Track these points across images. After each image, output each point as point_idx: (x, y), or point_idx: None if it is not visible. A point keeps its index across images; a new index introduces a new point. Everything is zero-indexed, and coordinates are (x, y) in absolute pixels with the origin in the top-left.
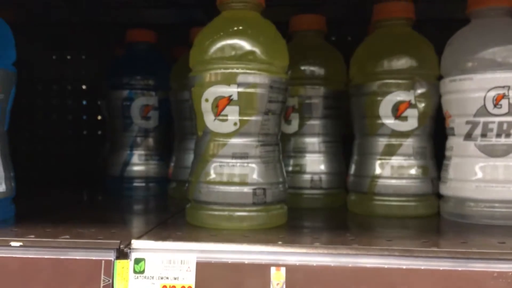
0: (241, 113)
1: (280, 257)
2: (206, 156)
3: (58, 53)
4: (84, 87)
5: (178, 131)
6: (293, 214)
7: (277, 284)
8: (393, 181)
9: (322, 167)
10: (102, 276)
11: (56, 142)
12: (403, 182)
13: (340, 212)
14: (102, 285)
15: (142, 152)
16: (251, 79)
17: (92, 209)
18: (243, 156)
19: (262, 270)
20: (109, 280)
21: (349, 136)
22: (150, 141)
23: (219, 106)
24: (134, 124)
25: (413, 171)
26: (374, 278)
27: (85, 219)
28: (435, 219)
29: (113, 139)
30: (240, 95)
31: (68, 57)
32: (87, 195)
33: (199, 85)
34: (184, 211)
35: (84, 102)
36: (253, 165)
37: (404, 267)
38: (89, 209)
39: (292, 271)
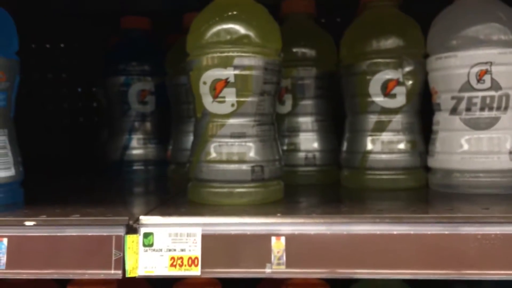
0: (238, 95)
1: (279, 228)
2: (206, 137)
3: (52, 42)
4: (78, 75)
5: (175, 114)
6: (289, 190)
7: (278, 252)
8: (384, 156)
9: (316, 145)
10: (114, 250)
11: (52, 130)
12: (393, 156)
13: (333, 187)
14: (113, 258)
15: (141, 136)
16: (246, 61)
17: (96, 192)
18: (241, 135)
19: (263, 240)
20: (120, 254)
21: (341, 115)
22: (148, 125)
23: (216, 88)
24: (132, 109)
25: (402, 146)
26: (367, 243)
27: (91, 200)
28: (423, 191)
29: (112, 124)
30: (236, 77)
31: (62, 45)
32: (87, 180)
33: (197, 69)
34: (185, 191)
35: (79, 90)
36: (251, 144)
37: (395, 232)
38: (93, 192)
39: (291, 240)
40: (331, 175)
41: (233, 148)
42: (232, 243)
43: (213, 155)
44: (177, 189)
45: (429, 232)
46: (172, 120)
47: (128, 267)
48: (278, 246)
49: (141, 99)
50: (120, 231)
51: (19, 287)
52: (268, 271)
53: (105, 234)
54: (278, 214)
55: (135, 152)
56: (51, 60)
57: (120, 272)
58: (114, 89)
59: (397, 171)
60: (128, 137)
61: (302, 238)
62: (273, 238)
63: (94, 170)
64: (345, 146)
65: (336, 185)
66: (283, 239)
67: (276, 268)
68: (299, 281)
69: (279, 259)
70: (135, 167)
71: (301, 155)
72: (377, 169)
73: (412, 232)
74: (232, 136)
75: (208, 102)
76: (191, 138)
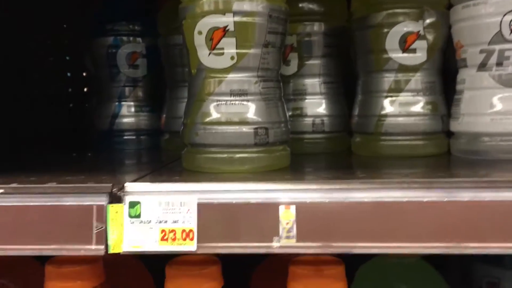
0: (238, 46)
1: (288, 195)
2: (202, 95)
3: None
4: (66, 41)
5: (169, 79)
6: (295, 159)
7: (287, 223)
8: (401, 119)
9: (324, 109)
10: (94, 222)
11: (40, 101)
12: (411, 119)
13: (344, 155)
14: (94, 231)
15: (131, 103)
16: (248, 6)
17: (81, 162)
18: (242, 93)
19: (269, 210)
20: (102, 227)
21: (351, 76)
22: (139, 91)
23: (214, 38)
24: (121, 73)
25: (422, 108)
26: (392, 213)
27: (73, 169)
28: (445, 158)
29: (100, 90)
30: (236, 25)
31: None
32: (75, 151)
33: (191, 16)
34: (179, 160)
35: (68, 58)
36: (253, 103)
37: (426, 199)
38: (77, 162)
39: (302, 209)
40: (340, 143)
41: (233, 108)
42: (233, 214)
43: (211, 116)
44: (171, 159)
45: (466, 199)
46: (166, 85)
47: (111, 241)
48: (287, 216)
49: (131, 63)
50: (102, 200)
51: None
52: (275, 246)
53: (84, 203)
54: (287, 180)
55: (125, 120)
56: (35, 24)
57: (102, 247)
58: (102, 51)
59: (416, 136)
60: (117, 104)
61: (316, 207)
62: (282, 208)
63: (83, 143)
64: (357, 109)
65: (346, 153)
66: (293, 208)
67: (285, 242)
68: (309, 257)
69: (288, 231)
70: (125, 137)
71: (308, 120)
72: (394, 134)
73: (446, 199)
74: (232, 94)
75: (204, 55)
76: None
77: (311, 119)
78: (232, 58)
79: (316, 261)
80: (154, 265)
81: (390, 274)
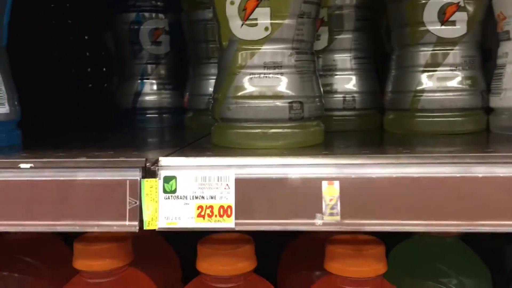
0: (272, 16)
1: (331, 170)
2: (234, 69)
3: None
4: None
5: (192, 56)
6: (326, 137)
7: (330, 200)
8: (439, 95)
9: (355, 86)
10: (128, 197)
11: (59, 81)
12: (449, 95)
13: (376, 133)
14: (128, 207)
15: (154, 81)
16: None
17: (105, 139)
18: (276, 65)
19: (311, 185)
20: (136, 202)
21: (383, 52)
22: (162, 68)
23: (247, 8)
24: (144, 50)
25: (460, 83)
26: (444, 189)
27: (100, 146)
28: (485, 135)
29: (122, 69)
30: None
31: None
32: (96, 131)
33: None
34: (207, 138)
35: (87, 37)
36: (288, 76)
37: (480, 175)
38: (102, 140)
39: (347, 185)
40: (371, 120)
41: (267, 81)
42: (272, 190)
43: (243, 89)
44: (196, 137)
45: None
46: (189, 62)
47: (146, 217)
48: (330, 192)
49: (154, 39)
50: (136, 174)
51: (17, 243)
52: (318, 223)
53: (117, 178)
54: (328, 154)
55: (148, 98)
56: (54, 2)
57: (136, 223)
58: (124, 27)
59: (454, 112)
60: (140, 82)
61: (362, 183)
62: (325, 183)
63: (104, 122)
64: (391, 85)
65: (378, 131)
66: (337, 184)
67: (328, 219)
68: (346, 236)
69: (332, 208)
70: (148, 115)
71: (339, 97)
72: (431, 111)
73: (501, 175)
74: (266, 66)
75: (236, 26)
76: (210, 82)
77: (341, 95)
78: (266, 29)
79: (354, 240)
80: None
81: (427, 254)
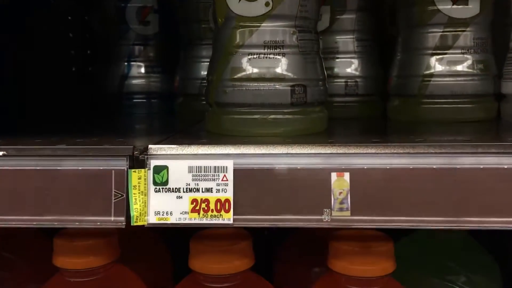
0: None
1: (341, 161)
2: (230, 48)
3: None
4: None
5: (183, 37)
6: (328, 123)
7: (340, 193)
8: (449, 80)
9: (358, 70)
10: (113, 190)
11: (41, 64)
12: (460, 80)
13: (381, 120)
14: (113, 200)
15: (142, 64)
16: None
17: (90, 126)
18: (278, 45)
19: (319, 177)
20: (122, 195)
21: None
22: (150, 50)
23: None
24: (131, 30)
25: (472, 68)
26: (467, 182)
27: (83, 133)
28: (496, 123)
29: (107, 50)
30: None
31: None
32: (79, 117)
33: None
34: (199, 124)
35: (69, 18)
36: (290, 57)
37: (506, 166)
38: (86, 126)
39: (358, 177)
40: (374, 107)
41: (267, 62)
42: (275, 182)
43: (241, 71)
44: (188, 124)
45: None
46: (180, 44)
47: (134, 212)
48: (340, 185)
49: (141, 18)
50: (122, 164)
51: None
52: (326, 219)
53: (101, 168)
54: (337, 144)
55: (135, 82)
56: None
57: (123, 219)
58: (109, 6)
59: (463, 99)
60: (126, 65)
61: (374, 175)
62: (334, 175)
63: (88, 107)
64: (396, 70)
65: (381, 118)
66: (347, 175)
67: (337, 214)
68: (351, 232)
69: (341, 202)
70: (135, 100)
71: (340, 82)
72: (440, 97)
73: None
74: (266, 45)
75: (234, 1)
76: (203, 65)
77: (343, 80)
78: (266, 4)
79: (360, 236)
80: (175, 239)
81: (435, 251)
